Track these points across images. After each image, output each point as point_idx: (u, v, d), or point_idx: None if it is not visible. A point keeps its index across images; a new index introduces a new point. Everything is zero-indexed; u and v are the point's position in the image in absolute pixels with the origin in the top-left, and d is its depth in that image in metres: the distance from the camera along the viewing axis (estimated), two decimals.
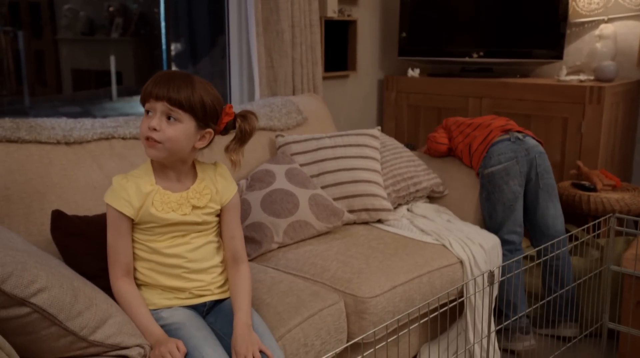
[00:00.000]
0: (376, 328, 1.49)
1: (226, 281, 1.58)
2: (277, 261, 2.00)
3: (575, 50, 3.43)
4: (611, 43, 3.14)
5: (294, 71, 2.97)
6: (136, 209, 1.45)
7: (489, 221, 2.42)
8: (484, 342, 2.10)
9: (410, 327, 1.93)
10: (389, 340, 1.69)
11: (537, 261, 2.13)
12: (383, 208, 2.30)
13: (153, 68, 3.14)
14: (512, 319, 2.26)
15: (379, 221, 2.33)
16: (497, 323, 2.38)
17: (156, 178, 1.50)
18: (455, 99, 3.36)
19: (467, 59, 3.42)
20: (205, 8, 3.25)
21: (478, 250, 2.16)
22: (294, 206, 2.10)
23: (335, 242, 2.10)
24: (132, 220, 1.47)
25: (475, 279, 2.00)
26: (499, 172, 2.37)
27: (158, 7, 3.08)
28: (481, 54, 3.38)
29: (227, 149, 1.55)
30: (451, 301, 2.05)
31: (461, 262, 2.12)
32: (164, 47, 3.12)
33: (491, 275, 1.65)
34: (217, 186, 1.56)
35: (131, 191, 1.45)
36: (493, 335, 2.16)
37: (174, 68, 3.22)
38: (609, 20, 3.23)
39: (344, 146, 2.41)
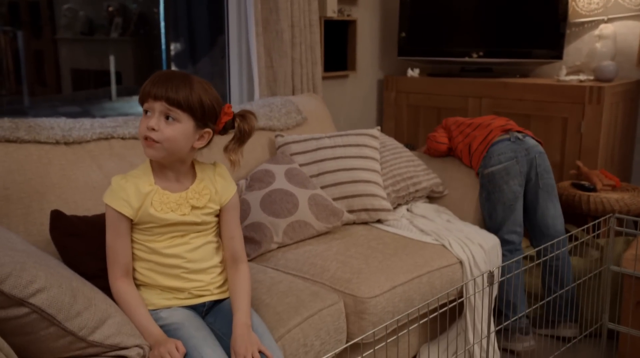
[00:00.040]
0: (376, 329, 1.49)
1: (225, 281, 1.58)
2: (277, 261, 2.00)
3: (575, 50, 3.42)
4: (611, 43, 3.14)
5: (293, 71, 2.97)
6: (135, 209, 1.45)
7: (489, 221, 2.42)
8: (484, 342, 2.09)
9: (410, 328, 1.93)
10: (388, 341, 1.69)
11: (537, 262, 2.13)
12: (382, 208, 2.30)
13: (152, 68, 3.13)
14: (512, 319, 2.26)
15: (379, 221, 2.33)
16: (497, 323, 2.38)
17: (155, 178, 1.49)
18: (455, 99, 3.35)
19: (466, 59, 3.42)
20: (204, 8, 3.25)
21: (478, 250, 2.16)
22: (293, 206, 2.10)
23: (335, 242, 2.10)
24: (131, 220, 1.47)
25: (475, 279, 2.00)
26: (499, 172, 2.37)
27: (157, 7, 3.07)
28: (481, 54, 3.38)
29: (226, 149, 1.55)
30: (451, 302, 2.05)
31: (461, 262, 2.12)
32: (163, 47, 3.12)
33: (491, 275, 1.65)
34: (216, 186, 1.55)
35: (130, 192, 1.45)
36: (493, 335, 2.16)
37: (173, 68, 3.22)
38: (609, 20, 3.23)
39: (344, 146, 2.40)
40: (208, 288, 1.54)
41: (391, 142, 2.63)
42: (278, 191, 2.13)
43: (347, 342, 1.79)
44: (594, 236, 2.67)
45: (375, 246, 2.07)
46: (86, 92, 2.90)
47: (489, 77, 3.36)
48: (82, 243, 1.59)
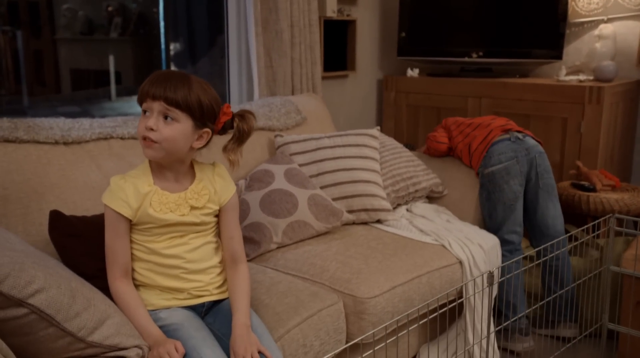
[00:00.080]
0: (375, 329, 1.49)
1: (225, 281, 1.58)
2: (276, 261, 2.00)
3: (575, 50, 3.42)
4: (610, 43, 3.14)
5: (293, 71, 2.97)
6: (134, 209, 1.45)
7: (489, 221, 2.42)
8: (484, 342, 2.09)
9: (410, 328, 1.92)
10: (388, 341, 1.68)
11: (537, 262, 2.13)
12: (382, 208, 2.30)
13: (152, 68, 3.13)
14: (512, 320, 2.26)
15: (378, 221, 2.33)
16: (497, 323, 2.38)
17: (154, 178, 1.49)
18: (454, 99, 3.35)
19: (466, 59, 3.42)
20: (204, 8, 3.25)
21: (477, 250, 2.16)
22: (293, 207, 2.10)
23: (335, 242, 2.10)
24: (130, 221, 1.46)
25: (474, 280, 2.00)
26: (499, 171, 2.37)
27: (157, 6, 3.07)
28: (480, 54, 3.38)
29: (225, 149, 1.55)
30: (450, 302, 2.05)
31: (460, 262, 2.11)
32: (163, 46, 3.12)
33: (490, 275, 1.65)
34: (215, 186, 1.55)
35: (129, 192, 1.45)
36: (492, 335, 2.16)
37: (172, 68, 3.21)
38: (609, 20, 3.23)
39: (343, 146, 2.40)
40: (207, 288, 1.53)
41: (391, 142, 2.63)
42: (277, 191, 2.13)
43: (346, 342, 1.78)
44: (593, 237, 2.67)
45: (374, 247, 2.07)
46: (85, 92, 2.90)
47: (489, 77, 3.36)
48: (81, 244, 1.59)
